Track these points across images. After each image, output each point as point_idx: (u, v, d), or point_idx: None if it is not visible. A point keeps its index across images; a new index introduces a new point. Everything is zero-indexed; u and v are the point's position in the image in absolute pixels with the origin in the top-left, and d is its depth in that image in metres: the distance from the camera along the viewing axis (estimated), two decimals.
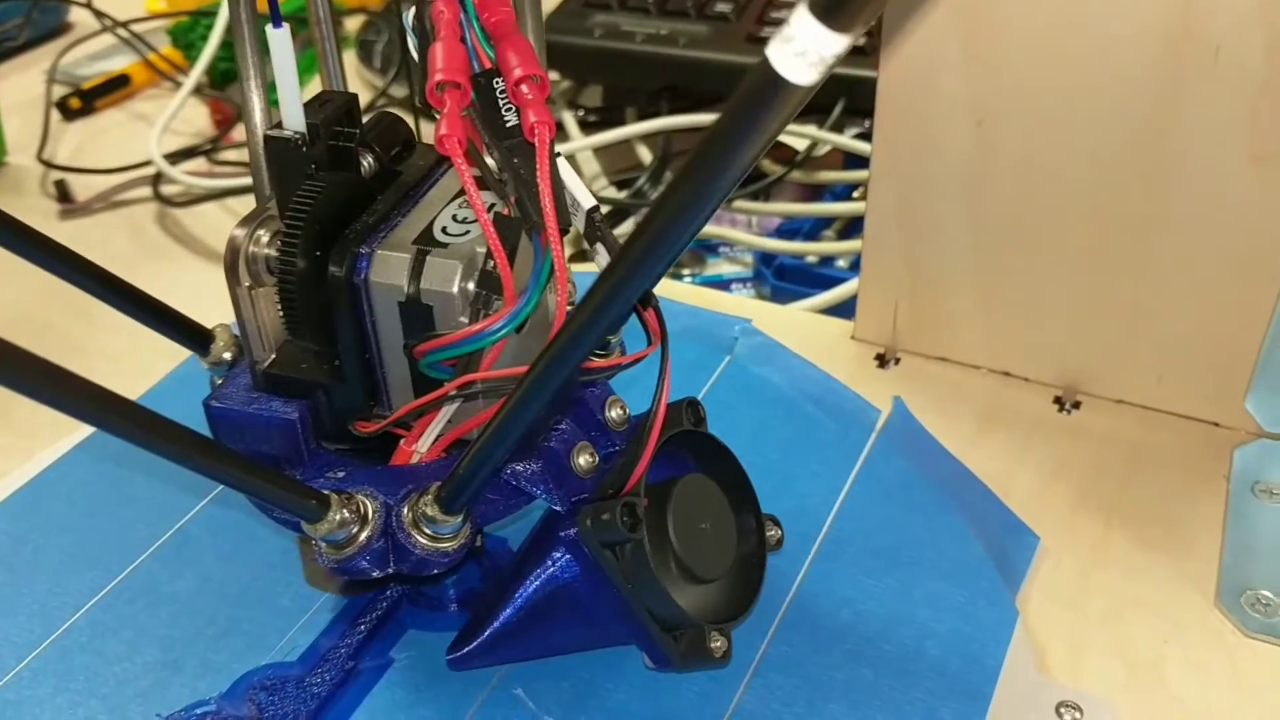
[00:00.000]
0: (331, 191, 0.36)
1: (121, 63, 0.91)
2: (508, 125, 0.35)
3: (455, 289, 0.35)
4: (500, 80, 0.35)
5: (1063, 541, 0.45)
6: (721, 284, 0.70)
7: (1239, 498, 0.46)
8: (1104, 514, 0.46)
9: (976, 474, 0.48)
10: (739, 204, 0.72)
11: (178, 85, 0.86)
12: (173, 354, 0.50)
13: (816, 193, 0.74)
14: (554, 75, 0.80)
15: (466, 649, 0.39)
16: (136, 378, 0.54)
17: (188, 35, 0.89)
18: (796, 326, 0.56)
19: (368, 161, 0.38)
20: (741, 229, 0.72)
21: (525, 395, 0.31)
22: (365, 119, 0.39)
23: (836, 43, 0.21)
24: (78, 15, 0.98)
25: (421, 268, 0.35)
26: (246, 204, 0.76)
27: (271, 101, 0.39)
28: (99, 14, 0.92)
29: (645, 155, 0.76)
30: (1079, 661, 0.41)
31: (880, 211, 0.51)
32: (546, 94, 0.35)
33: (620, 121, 0.78)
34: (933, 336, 0.53)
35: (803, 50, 0.21)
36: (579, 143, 0.75)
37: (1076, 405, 0.51)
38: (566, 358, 0.30)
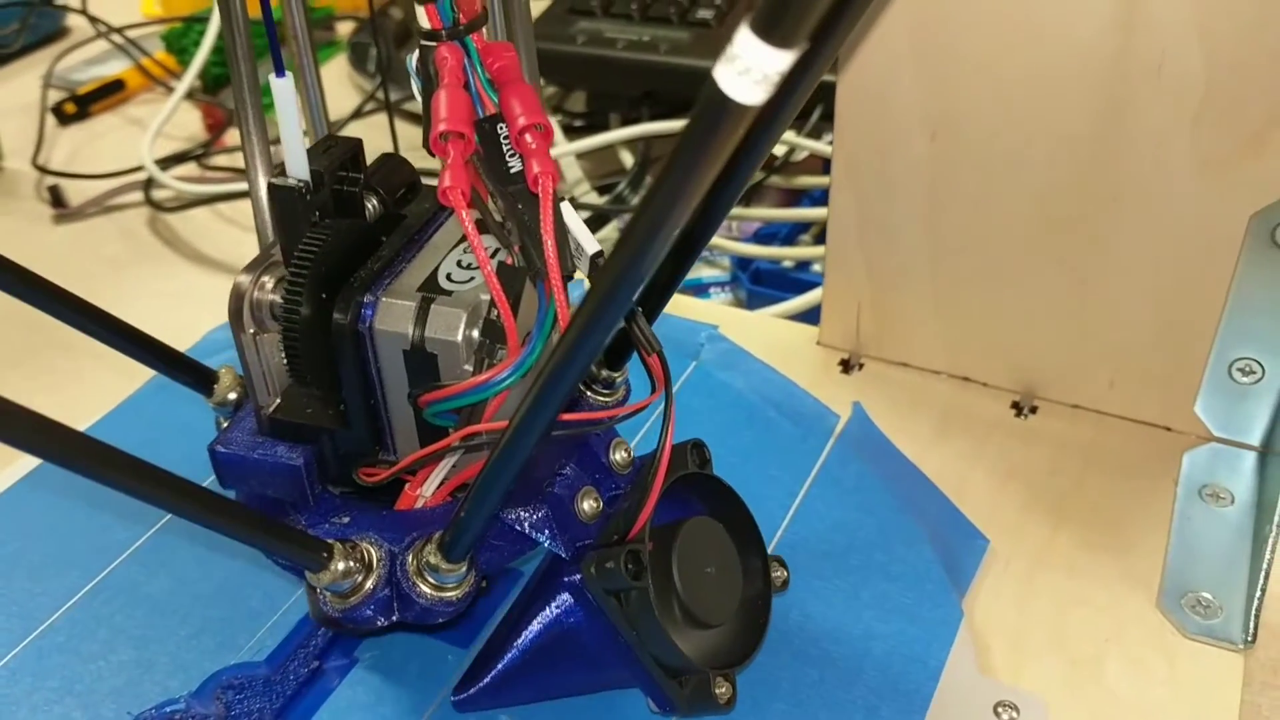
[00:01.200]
0: (336, 239, 0.36)
1: (116, 68, 0.92)
2: (512, 171, 0.34)
3: (460, 338, 0.35)
4: (504, 125, 0.35)
5: (1012, 543, 0.46)
6: (700, 287, 0.72)
7: (1186, 501, 0.48)
8: (1053, 516, 0.48)
9: (932, 477, 0.49)
10: None
11: (171, 90, 0.88)
12: None
13: (796, 197, 0.76)
14: (538, 81, 0.81)
15: (472, 690, 0.39)
16: (125, 378, 0.55)
17: (181, 40, 0.91)
18: (764, 332, 0.58)
19: (372, 205, 0.38)
20: (721, 233, 0.73)
21: (510, 442, 0.31)
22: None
23: (780, 59, 0.21)
24: (74, 20, 1.00)
25: (426, 316, 0.35)
26: (236, 209, 0.78)
27: (268, 107, 0.39)
28: (93, 20, 0.94)
29: (628, 160, 0.78)
30: (1020, 660, 0.42)
31: (841, 221, 0.52)
32: (550, 142, 0.35)
33: (604, 127, 0.80)
34: (895, 342, 0.55)
35: (747, 68, 0.21)
36: (562, 148, 0.77)
37: (1034, 410, 0.53)
38: (549, 396, 0.30)
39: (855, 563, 0.44)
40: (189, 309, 0.68)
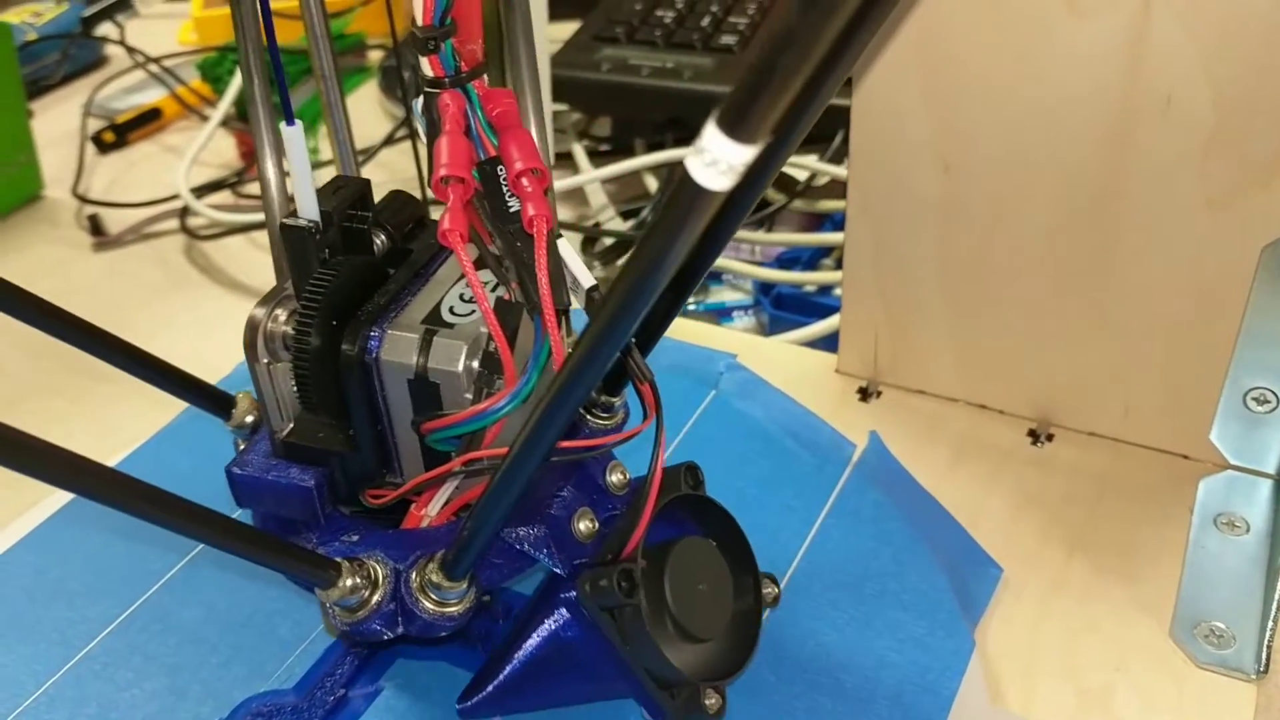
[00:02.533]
0: (344, 275, 0.38)
1: (154, 96, 0.94)
2: (511, 210, 0.36)
3: (460, 368, 0.37)
4: (504, 168, 0.36)
5: (1026, 571, 0.47)
6: (724, 311, 0.73)
7: (1201, 529, 0.48)
8: (1068, 544, 0.48)
9: (948, 505, 0.49)
10: (741, 233, 0.74)
11: (206, 118, 0.90)
12: None
13: (818, 221, 0.76)
14: (564, 107, 0.83)
15: (475, 699, 0.41)
16: (162, 405, 0.56)
17: (215, 69, 0.92)
18: (784, 360, 0.58)
19: (380, 240, 0.40)
20: (744, 256, 0.74)
21: (511, 468, 0.33)
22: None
23: (743, 153, 0.23)
24: (113, 49, 1.02)
25: (429, 347, 0.37)
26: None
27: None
28: (130, 50, 0.96)
29: (653, 185, 0.79)
30: (1031, 689, 0.43)
31: (857, 251, 0.53)
32: (545, 185, 0.36)
33: (629, 152, 0.81)
34: (912, 370, 0.55)
35: (714, 160, 0.23)
36: (588, 175, 0.78)
37: (1050, 438, 0.53)
38: (547, 427, 0.32)
39: (870, 592, 0.45)
40: (224, 335, 0.70)
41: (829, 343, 0.61)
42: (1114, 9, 0.44)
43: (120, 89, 0.97)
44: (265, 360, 0.39)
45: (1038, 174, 0.48)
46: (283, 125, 0.39)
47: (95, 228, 0.81)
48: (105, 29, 1.02)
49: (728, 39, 0.79)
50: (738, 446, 0.52)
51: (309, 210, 0.39)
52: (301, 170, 0.38)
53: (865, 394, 0.56)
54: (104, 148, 0.90)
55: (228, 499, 0.41)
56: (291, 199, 0.40)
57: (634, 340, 0.38)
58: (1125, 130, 0.45)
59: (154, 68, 0.95)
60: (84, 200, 0.84)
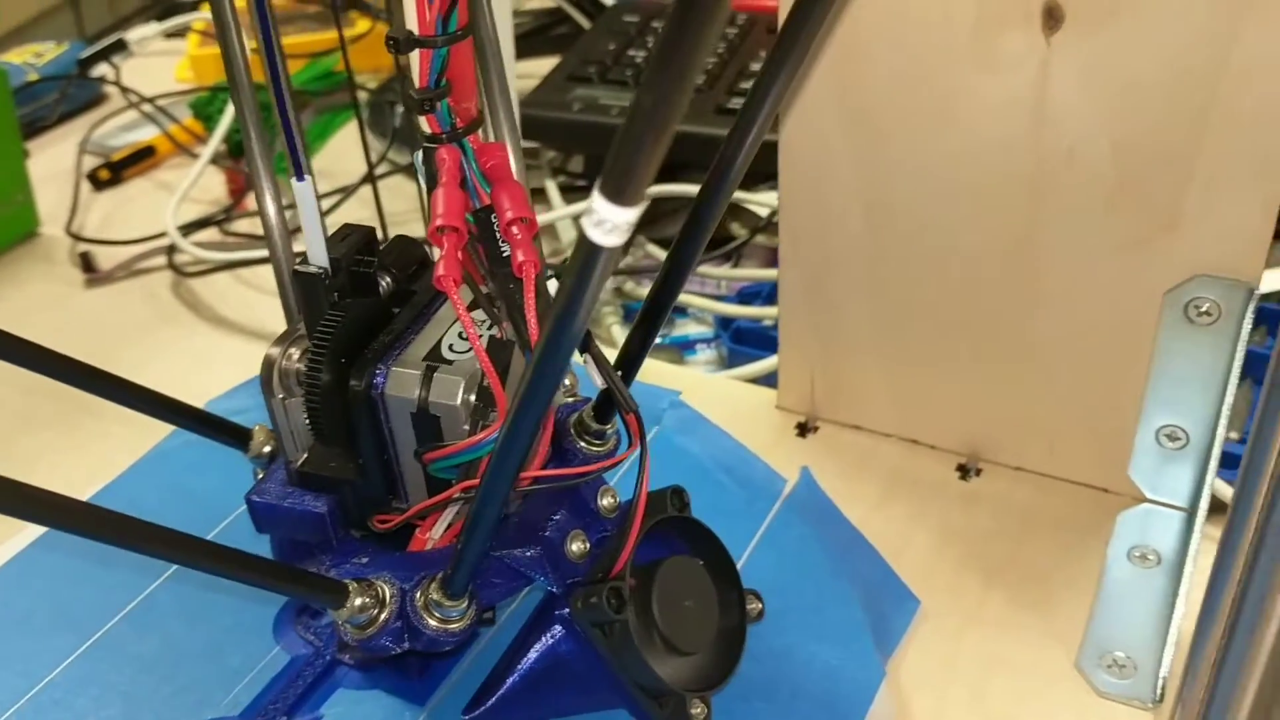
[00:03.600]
0: (352, 316, 0.41)
1: (149, 133, 0.98)
2: (504, 255, 0.39)
3: (459, 402, 0.40)
4: (496, 217, 0.40)
5: (944, 603, 0.49)
6: (687, 344, 0.75)
7: (1115, 561, 0.50)
8: (986, 576, 0.50)
9: (875, 538, 0.51)
10: (704, 269, 0.76)
11: (197, 156, 0.93)
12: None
13: None
14: (536, 144, 0.85)
15: (479, 711, 0.44)
16: (147, 436, 0.60)
17: (207, 108, 0.96)
18: (728, 395, 0.61)
19: (385, 282, 0.44)
20: (709, 289, 0.77)
21: (481, 499, 0.36)
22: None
23: (627, 214, 0.26)
24: (110, 88, 1.05)
25: (430, 383, 0.40)
26: (255, 274, 0.82)
27: (280, 170, 0.44)
28: (125, 90, 0.99)
29: None
30: (940, 719, 0.45)
31: (790, 293, 0.55)
32: (534, 233, 0.40)
33: None
34: (847, 406, 0.58)
35: (601, 221, 0.26)
36: (559, 211, 0.80)
37: (979, 472, 0.55)
38: (502, 471, 0.35)
39: (789, 624, 0.47)
40: (207, 369, 0.73)
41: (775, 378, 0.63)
42: (1017, 67, 0.46)
43: (116, 127, 1.00)
44: (280, 395, 0.42)
45: (957, 219, 0.50)
46: (292, 180, 0.42)
47: (87, 264, 0.84)
48: (102, 69, 1.06)
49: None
50: (674, 481, 0.54)
51: (319, 258, 0.42)
52: (312, 222, 0.42)
53: (803, 429, 0.58)
54: (99, 185, 0.93)
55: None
56: (294, 232, 0.44)
57: (619, 372, 0.41)
58: (1036, 179, 0.48)
59: (147, 107, 0.98)
60: (77, 238, 0.87)
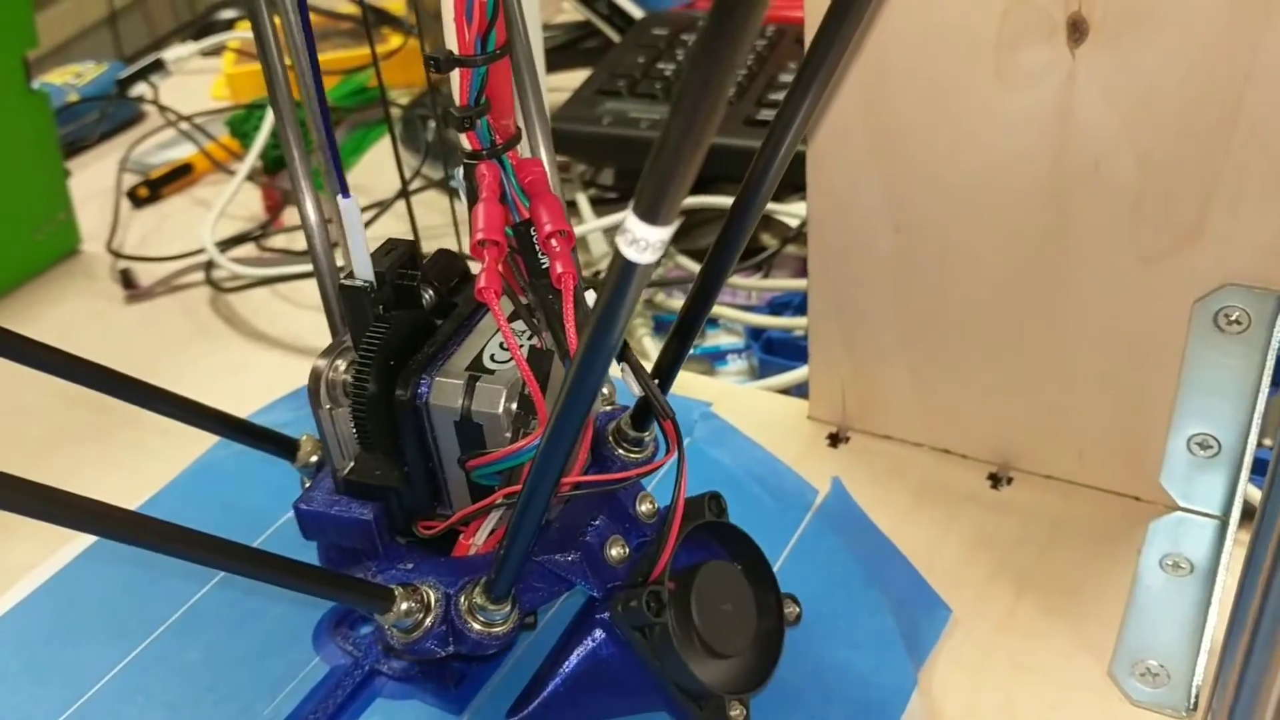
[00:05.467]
0: (396, 328, 0.43)
1: (186, 151, 0.99)
2: (543, 267, 0.40)
3: (501, 410, 0.41)
4: (535, 229, 0.41)
5: (975, 611, 0.49)
6: (718, 355, 0.76)
7: (1146, 569, 0.50)
8: (1017, 584, 0.51)
9: (906, 547, 0.52)
10: (734, 279, 0.77)
11: (233, 173, 0.94)
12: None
13: None
14: (568, 158, 0.86)
15: (523, 714, 0.45)
16: (186, 448, 0.61)
17: (243, 125, 0.97)
18: (759, 406, 0.61)
19: (429, 295, 0.45)
20: (741, 300, 0.77)
21: (524, 504, 0.37)
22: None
23: (661, 232, 0.27)
24: (149, 106, 1.07)
25: (473, 392, 0.42)
26: (292, 289, 0.83)
27: (317, 185, 0.46)
28: (162, 109, 1.01)
29: None
30: None
31: (819, 307, 0.56)
32: (572, 245, 0.40)
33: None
34: (878, 416, 0.58)
35: (636, 240, 0.27)
36: (590, 224, 0.81)
37: (1009, 481, 0.55)
38: (543, 477, 0.36)
39: (821, 633, 0.48)
40: (245, 383, 0.74)
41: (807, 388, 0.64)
42: (1040, 82, 0.46)
43: (154, 145, 1.01)
44: (327, 406, 0.44)
45: (983, 233, 0.50)
46: (339, 198, 0.43)
47: (127, 281, 0.85)
48: (140, 89, 1.07)
49: None
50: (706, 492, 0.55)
51: (364, 272, 0.43)
52: (357, 237, 0.43)
53: (835, 439, 0.59)
54: (139, 202, 0.95)
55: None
56: (336, 245, 0.45)
57: (656, 380, 0.42)
58: (1059, 193, 0.48)
59: (185, 125, 0.99)
60: (117, 255, 0.88)
